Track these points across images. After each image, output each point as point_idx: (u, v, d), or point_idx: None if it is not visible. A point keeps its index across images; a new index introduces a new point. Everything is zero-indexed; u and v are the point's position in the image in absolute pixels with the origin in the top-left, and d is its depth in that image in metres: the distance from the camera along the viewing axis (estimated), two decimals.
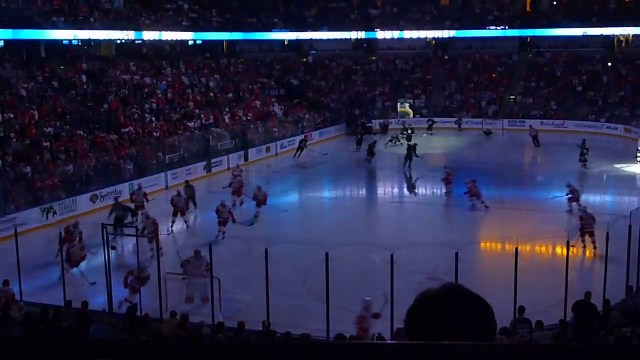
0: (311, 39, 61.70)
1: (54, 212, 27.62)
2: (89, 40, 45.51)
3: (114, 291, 17.26)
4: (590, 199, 29.77)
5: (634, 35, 56.90)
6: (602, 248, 16.32)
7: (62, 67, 41.31)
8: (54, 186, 29.39)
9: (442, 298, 1.99)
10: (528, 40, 59.67)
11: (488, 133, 49.56)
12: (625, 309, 14.54)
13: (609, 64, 55.47)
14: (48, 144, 32.01)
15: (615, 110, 49.87)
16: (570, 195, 27.32)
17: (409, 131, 44.69)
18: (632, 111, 48.39)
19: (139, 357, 1.91)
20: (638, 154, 36.88)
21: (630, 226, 16.98)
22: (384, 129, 51.76)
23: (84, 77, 40.49)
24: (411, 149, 37.96)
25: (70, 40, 44.12)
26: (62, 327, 13.55)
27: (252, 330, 14.47)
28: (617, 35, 57.64)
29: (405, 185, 35.81)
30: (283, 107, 50.78)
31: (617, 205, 29.09)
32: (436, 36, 61.07)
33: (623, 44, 58.06)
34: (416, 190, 34.45)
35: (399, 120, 53.45)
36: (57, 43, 43.59)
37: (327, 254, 14.58)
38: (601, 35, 56.72)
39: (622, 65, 54.54)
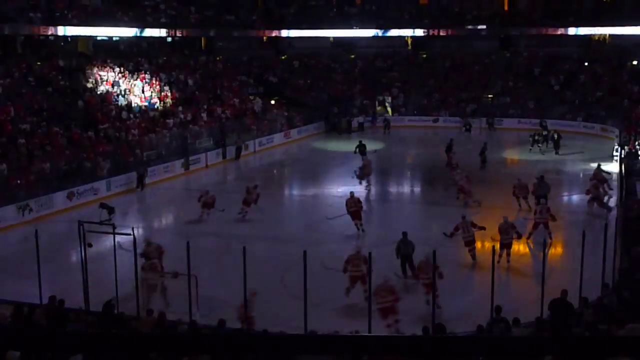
0: (290, 37, 61.68)
1: (30, 210, 27.41)
2: (66, 36, 45.17)
3: (90, 289, 17.14)
4: (566, 197, 30.03)
5: (610, 35, 57.36)
6: (578, 246, 16.44)
7: (38, 63, 41.02)
8: (30, 183, 29.15)
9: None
10: (506, 39, 59.89)
11: (468, 128, 50.45)
12: (601, 306, 14.65)
13: (586, 63, 55.91)
14: (24, 140, 31.76)
15: (592, 109, 50.27)
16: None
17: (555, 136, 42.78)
18: (609, 111, 48.79)
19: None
20: (615, 153, 37.18)
21: (606, 224, 17.11)
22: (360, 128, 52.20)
23: (60, 74, 40.22)
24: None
25: (47, 36, 43.77)
26: (37, 326, 13.44)
27: (230, 328, 14.43)
28: (593, 35, 58.10)
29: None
30: (262, 105, 50.77)
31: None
32: (415, 35, 61.24)
33: (603, 43, 58.44)
34: None
35: (378, 119, 53.67)
36: (33, 39, 43.25)
37: (305, 252, 14.56)
38: (578, 35, 57.11)
39: (599, 65, 54.95)
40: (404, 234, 20.46)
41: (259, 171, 40.61)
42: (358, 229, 25.13)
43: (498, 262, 19.69)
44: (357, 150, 38.61)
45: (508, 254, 21.05)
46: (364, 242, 22.98)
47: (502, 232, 21.32)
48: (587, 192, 27.43)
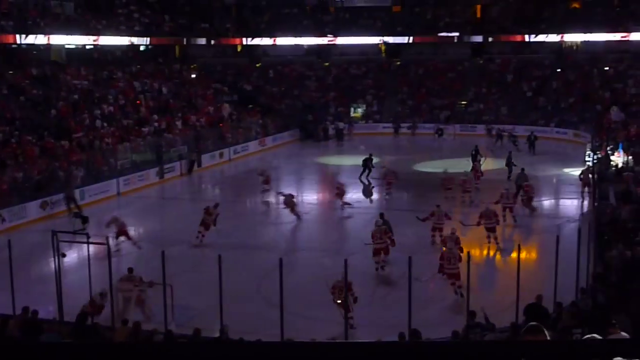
0: (264, 45, 61.72)
1: (3, 219, 27.10)
2: (39, 45, 44.75)
3: (64, 299, 16.97)
4: (539, 202, 30.20)
5: (582, 42, 57.90)
6: (552, 251, 16.53)
7: (10, 72, 40.63)
8: (2, 193, 28.83)
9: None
10: (479, 46, 60.23)
11: (440, 134, 51.19)
12: (576, 310, 14.75)
13: (558, 70, 56.39)
14: None
15: (564, 115, 50.72)
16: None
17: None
18: (581, 116, 49.24)
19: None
20: (587, 158, 37.46)
21: (579, 229, 17.26)
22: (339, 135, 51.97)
23: (33, 83, 39.87)
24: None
25: (19, 45, 43.33)
26: (10, 336, 13.29)
27: (207, 337, 14.35)
28: (565, 42, 58.62)
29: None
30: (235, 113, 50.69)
31: (566, 208, 29.54)
32: (388, 42, 61.45)
33: (574, 50, 58.96)
34: None
35: (354, 125, 53.77)
36: (5, 47, 42.82)
37: (281, 260, 14.53)
38: (550, 41, 57.60)
39: (571, 72, 55.45)
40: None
41: (234, 179, 40.54)
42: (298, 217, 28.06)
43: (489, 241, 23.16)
44: (364, 163, 35.56)
45: (495, 238, 23.41)
46: (345, 249, 22.98)
47: (485, 216, 23.53)
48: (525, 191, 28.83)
